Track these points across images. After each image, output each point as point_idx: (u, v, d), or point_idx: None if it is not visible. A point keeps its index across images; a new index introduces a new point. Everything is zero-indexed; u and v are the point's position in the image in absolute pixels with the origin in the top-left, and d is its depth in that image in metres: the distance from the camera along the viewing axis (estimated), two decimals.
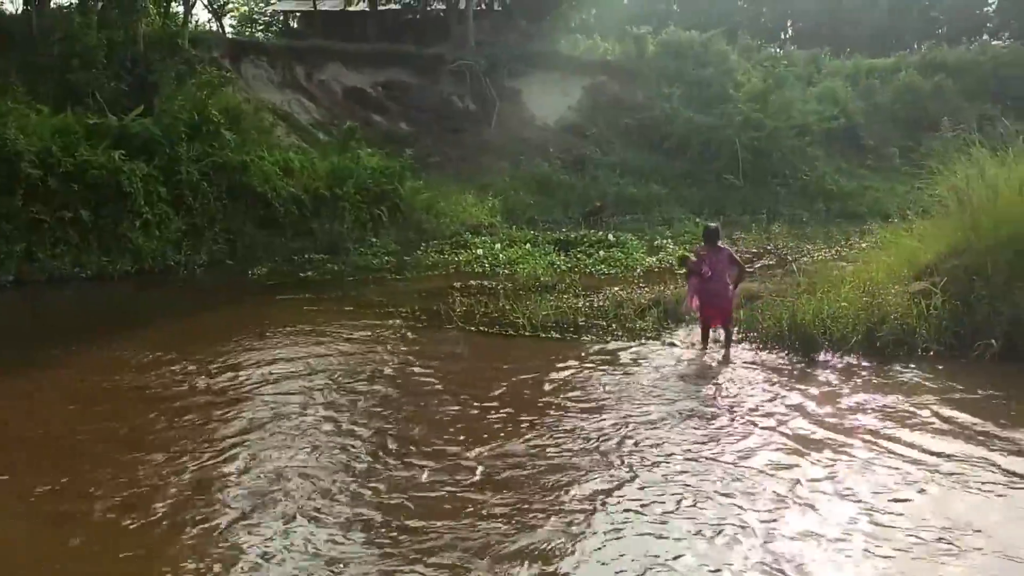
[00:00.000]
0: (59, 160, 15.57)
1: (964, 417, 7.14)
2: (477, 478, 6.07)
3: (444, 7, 35.49)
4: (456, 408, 7.78)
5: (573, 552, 5.00)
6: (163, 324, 12.29)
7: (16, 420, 7.71)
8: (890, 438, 6.69)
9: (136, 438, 7.05)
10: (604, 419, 7.32)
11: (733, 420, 7.28)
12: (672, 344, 10.03)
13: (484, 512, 5.50)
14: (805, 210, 27.41)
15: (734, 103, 30.82)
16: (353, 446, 6.82)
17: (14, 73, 18.79)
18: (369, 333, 10.83)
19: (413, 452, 6.63)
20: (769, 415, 7.36)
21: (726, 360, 9.28)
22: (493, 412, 7.60)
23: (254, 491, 5.91)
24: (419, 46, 31.97)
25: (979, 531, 5.14)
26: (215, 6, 34.13)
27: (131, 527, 5.40)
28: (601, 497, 5.72)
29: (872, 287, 9.89)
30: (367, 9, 36.59)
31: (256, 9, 43.67)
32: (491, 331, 10.85)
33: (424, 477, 6.11)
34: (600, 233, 20.03)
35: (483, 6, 36.34)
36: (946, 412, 7.28)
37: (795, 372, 8.72)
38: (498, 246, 18.43)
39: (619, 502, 5.64)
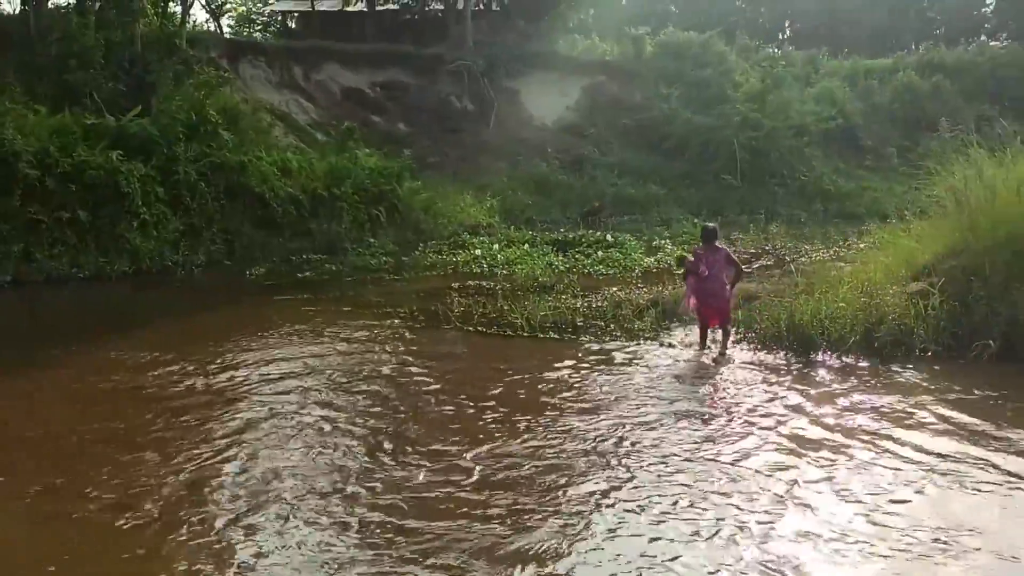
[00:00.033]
0: (57, 160, 15.57)
1: (962, 417, 7.14)
2: (474, 479, 6.06)
3: (442, 7, 35.49)
4: (454, 408, 7.78)
5: (570, 553, 4.99)
6: (161, 324, 12.28)
7: (15, 420, 7.70)
8: (888, 438, 6.68)
9: (134, 438, 7.05)
10: (602, 419, 7.31)
11: (731, 420, 7.27)
12: (670, 344, 10.03)
13: (481, 513, 5.49)
14: (803, 210, 27.44)
15: (732, 103, 30.81)
16: (350, 446, 6.82)
17: (12, 73, 18.79)
18: (367, 333, 10.82)
19: (410, 452, 6.62)
20: (767, 415, 7.36)
21: (724, 360, 9.27)
22: (491, 412, 7.60)
23: (251, 491, 5.90)
24: (417, 46, 31.96)
25: (977, 531, 5.14)
26: (213, 6, 34.13)
27: (129, 527, 5.39)
28: (598, 498, 5.72)
29: (870, 287, 9.89)
30: (365, 9, 36.60)
31: (254, 9, 43.67)
32: (489, 331, 10.84)
33: (421, 477, 6.11)
34: (598, 233, 20.03)
35: (481, 6, 36.34)
36: (944, 412, 7.28)
37: (793, 372, 8.71)
38: (496, 246, 18.43)
39: (616, 503, 5.63)
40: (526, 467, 6.26)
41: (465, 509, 5.55)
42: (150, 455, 6.60)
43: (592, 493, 5.80)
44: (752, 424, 7.13)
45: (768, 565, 4.78)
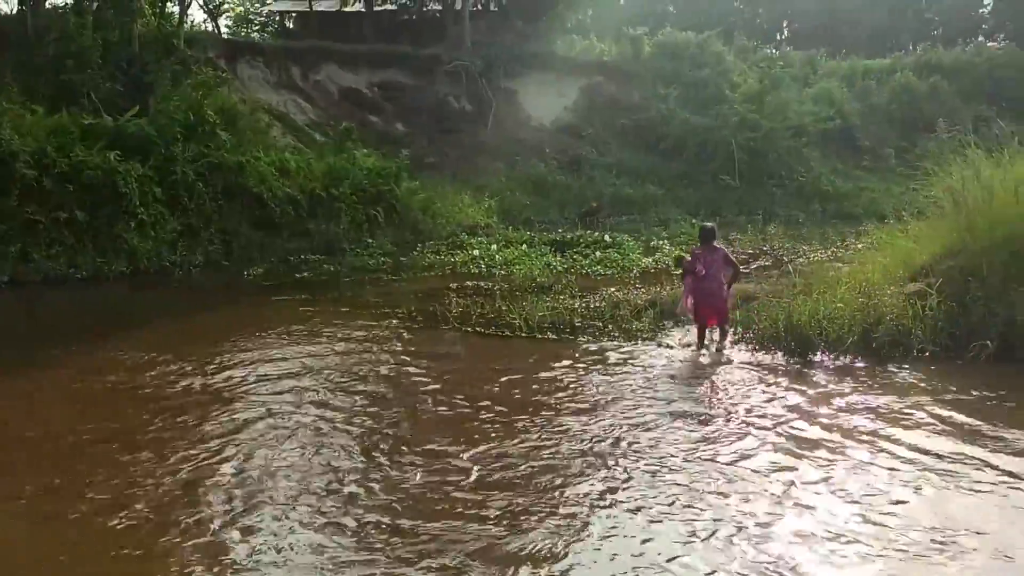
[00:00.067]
0: (54, 161, 15.55)
1: (959, 418, 7.15)
2: (471, 479, 6.06)
3: (440, 8, 35.49)
4: (451, 409, 7.77)
5: (567, 554, 4.99)
6: (159, 325, 12.27)
7: (13, 420, 7.69)
8: (885, 439, 6.69)
9: (132, 438, 7.04)
10: (599, 420, 7.31)
11: (729, 421, 7.27)
12: (668, 345, 10.03)
13: (478, 513, 5.49)
14: (801, 211, 27.48)
15: (730, 104, 30.84)
16: (347, 446, 6.81)
17: (9, 73, 18.79)
18: (365, 334, 10.82)
19: (407, 453, 6.62)
20: (765, 416, 7.36)
21: (722, 360, 9.28)
22: (488, 413, 7.59)
23: (247, 491, 5.89)
24: (415, 47, 31.95)
25: (975, 531, 5.14)
26: (211, 6, 34.08)
27: (126, 527, 5.39)
28: (595, 498, 5.72)
29: (868, 288, 9.89)
30: (363, 10, 36.60)
31: (252, 9, 43.60)
32: (487, 332, 10.84)
33: (418, 478, 6.10)
34: (596, 234, 20.05)
35: (479, 7, 36.34)
36: (941, 413, 7.29)
37: (791, 373, 8.71)
38: (494, 247, 18.43)
39: (614, 503, 5.63)
40: (523, 467, 6.25)
41: (462, 510, 5.55)
42: (147, 455, 6.60)
43: (589, 493, 5.79)
44: (750, 424, 7.13)
45: (765, 566, 4.78)
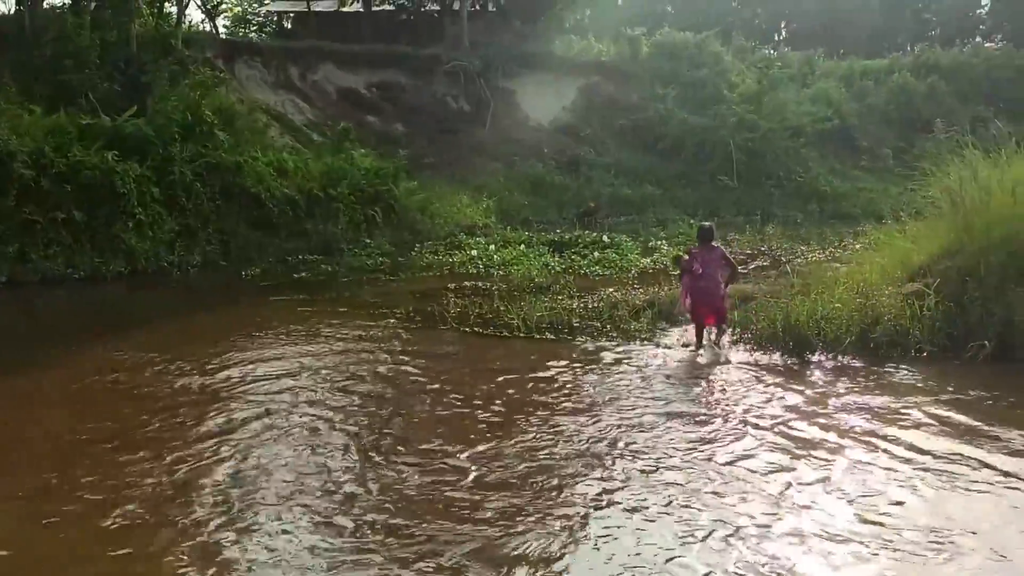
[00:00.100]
0: (52, 161, 15.51)
1: (957, 418, 7.16)
2: (469, 479, 6.05)
3: (438, 8, 35.49)
4: (449, 409, 7.77)
5: (565, 555, 4.99)
6: (157, 325, 12.26)
7: (11, 420, 7.68)
8: (883, 439, 6.69)
9: (129, 438, 7.03)
10: (597, 420, 7.31)
11: (727, 421, 7.27)
12: (666, 345, 10.03)
13: (475, 514, 5.48)
14: (799, 211, 27.50)
15: (728, 104, 30.86)
16: (344, 446, 6.81)
17: (7, 73, 18.74)
18: (363, 334, 10.81)
19: (404, 453, 6.62)
20: (763, 416, 7.36)
21: (720, 360, 9.29)
22: (486, 413, 7.59)
23: (244, 491, 5.89)
24: (413, 47, 31.94)
25: (972, 531, 5.15)
26: (208, 7, 34.03)
27: (124, 526, 5.38)
28: (593, 499, 5.72)
29: (866, 288, 9.90)
30: (361, 10, 36.58)
31: (250, 9, 43.56)
32: (485, 332, 10.84)
33: (416, 478, 6.10)
34: (594, 234, 20.03)
35: (477, 7, 36.33)
36: (939, 413, 7.29)
37: (789, 373, 8.72)
38: (492, 247, 18.43)
39: (611, 504, 5.63)
40: (520, 468, 6.25)
41: (459, 510, 5.55)
42: (145, 454, 6.59)
43: (586, 494, 5.79)
44: (747, 425, 7.13)
45: (763, 566, 4.78)
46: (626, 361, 9.31)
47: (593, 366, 9.14)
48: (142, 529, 5.37)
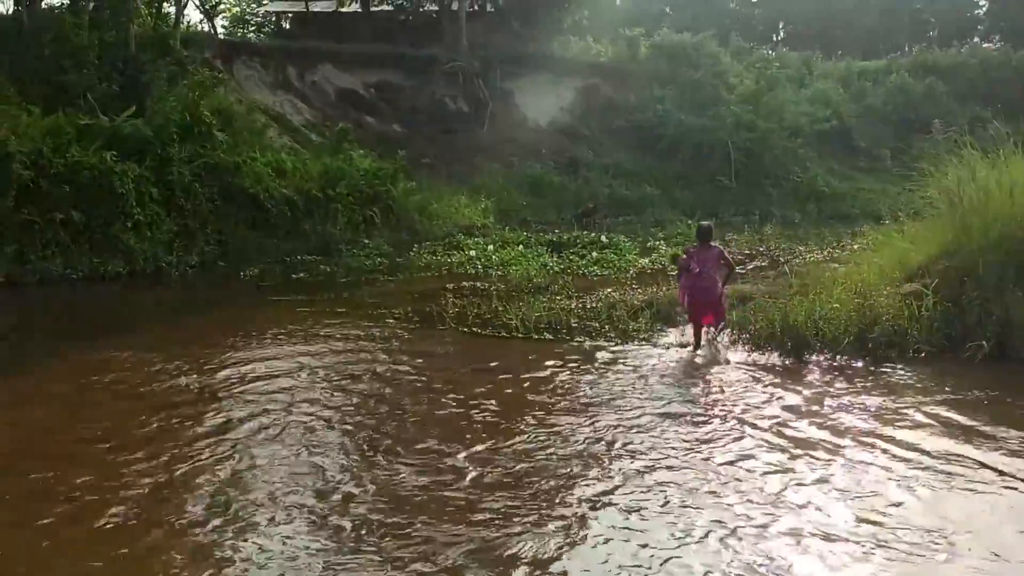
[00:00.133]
0: (50, 161, 15.50)
1: (955, 418, 7.17)
2: (466, 480, 6.05)
3: (437, 8, 35.44)
4: (447, 409, 7.77)
5: (562, 555, 4.99)
6: (155, 325, 12.26)
7: (8, 420, 7.66)
8: (881, 439, 6.70)
9: (126, 438, 7.03)
10: (595, 420, 7.31)
11: (725, 421, 7.28)
12: (664, 345, 10.04)
13: (473, 515, 5.48)
14: (797, 211, 27.51)
15: (726, 105, 30.88)
16: (341, 446, 6.81)
17: (5, 74, 18.73)
18: (361, 334, 10.81)
19: (402, 453, 6.61)
20: (761, 416, 7.36)
21: (718, 361, 9.29)
22: (484, 413, 7.60)
23: (240, 491, 5.89)
24: (412, 47, 31.91)
25: (969, 531, 5.15)
26: (207, 7, 34.01)
27: (119, 526, 5.38)
28: (591, 499, 5.72)
29: (864, 288, 9.91)
30: (359, 10, 36.53)
31: (248, 10, 43.50)
32: (484, 332, 10.84)
33: (413, 478, 6.09)
34: (593, 235, 20.07)
35: (476, 7, 36.29)
36: (937, 413, 7.30)
37: (787, 373, 8.73)
38: (491, 247, 18.43)
39: (609, 504, 5.63)
40: (518, 468, 6.25)
41: (457, 511, 5.54)
42: (141, 454, 6.58)
43: (584, 494, 5.79)
44: (745, 425, 7.13)
45: (761, 566, 4.78)
46: (624, 361, 9.31)
47: (591, 366, 9.13)
48: (139, 529, 5.36)
